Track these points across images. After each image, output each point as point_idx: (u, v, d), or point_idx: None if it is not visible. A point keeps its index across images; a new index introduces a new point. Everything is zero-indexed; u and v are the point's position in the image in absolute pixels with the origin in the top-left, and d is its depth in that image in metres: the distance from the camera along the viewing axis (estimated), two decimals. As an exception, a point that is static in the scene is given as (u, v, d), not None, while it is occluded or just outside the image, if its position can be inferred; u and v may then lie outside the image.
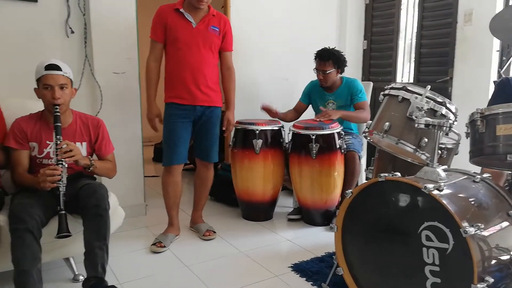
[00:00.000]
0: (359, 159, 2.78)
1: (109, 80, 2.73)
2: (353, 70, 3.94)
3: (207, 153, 2.53)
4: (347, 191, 1.76)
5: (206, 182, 2.64)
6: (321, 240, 2.59)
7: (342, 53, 2.93)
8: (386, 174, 1.63)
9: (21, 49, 2.46)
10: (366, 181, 1.72)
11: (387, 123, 1.81)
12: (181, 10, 2.34)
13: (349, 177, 2.73)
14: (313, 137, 2.61)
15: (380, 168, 2.27)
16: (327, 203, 2.73)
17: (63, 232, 1.70)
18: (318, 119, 2.76)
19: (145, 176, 3.00)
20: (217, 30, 2.43)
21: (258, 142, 2.73)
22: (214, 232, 2.62)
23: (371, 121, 1.95)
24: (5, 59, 2.38)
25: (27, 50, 2.47)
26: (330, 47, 2.93)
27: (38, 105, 2.06)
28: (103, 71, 2.70)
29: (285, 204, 3.22)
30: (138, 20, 2.81)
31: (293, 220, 2.88)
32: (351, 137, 2.89)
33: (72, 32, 2.63)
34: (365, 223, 1.75)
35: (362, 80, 3.97)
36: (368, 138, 1.97)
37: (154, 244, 2.40)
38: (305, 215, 2.85)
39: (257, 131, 2.73)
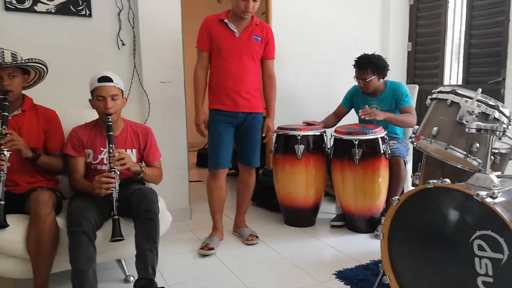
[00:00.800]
0: (405, 164, 2.70)
1: (156, 89, 2.85)
2: (397, 73, 3.85)
3: (249, 158, 2.58)
4: (393, 198, 1.72)
5: (249, 187, 2.68)
6: (365, 247, 2.54)
7: (383, 58, 2.86)
8: (435, 181, 1.58)
9: (78, 62, 2.63)
10: (414, 188, 1.68)
11: (435, 128, 1.76)
12: (226, 20, 2.43)
13: (394, 183, 2.66)
14: (356, 142, 2.58)
15: (428, 174, 2.20)
16: (371, 209, 2.68)
17: (117, 236, 1.80)
18: (362, 115, 2.66)
19: (190, 181, 3.09)
20: (260, 39, 2.50)
21: (300, 148, 2.73)
22: (257, 237, 2.64)
23: (417, 126, 1.90)
24: (63, 71, 2.55)
25: (83, 62, 2.64)
26: (369, 53, 2.87)
27: (93, 114, 2.19)
28: (150, 80, 2.83)
29: (328, 210, 3.19)
30: (183, 31, 2.91)
31: (336, 226, 2.85)
32: (396, 141, 2.82)
33: (123, 44, 2.78)
34: (412, 231, 1.70)
35: (407, 83, 3.86)
36: (415, 143, 1.92)
37: (202, 248, 2.46)
38: (349, 222, 2.81)
39: (299, 137, 2.74)
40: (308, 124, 2.97)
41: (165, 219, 2.16)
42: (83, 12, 2.63)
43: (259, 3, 2.42)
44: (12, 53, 1.94)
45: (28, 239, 1.77)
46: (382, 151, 2.61)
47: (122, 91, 2.13)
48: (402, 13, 3.89)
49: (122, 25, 2.76)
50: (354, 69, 2.88)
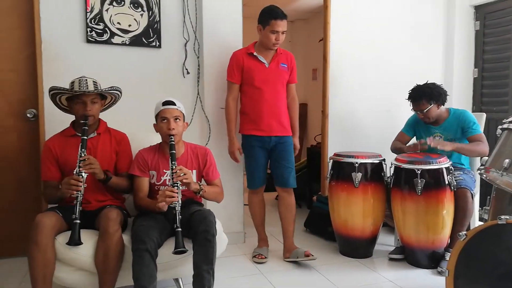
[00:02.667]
0: (472, 197, 2.54)
1: (217, 114, 2.97)
2: (462, 100, 3.68)
3: (287, 179, 2.71)
4: (460, 233, 1.62)
5: (290, 208, 2.76)
6: (427, 283, 2.40)
7: (438, 85, 2.75)
8: (508, 217, 1.47)
9: (147, 89, 2.83)
10: (483, 223, 1.57)
11: (507, 160, 1.65)
12: (255, 53, 2.66)
13: (460, 217, 2.51)
14: (419, 172, 2.47)
15: (498, 209, 2.04)
16: (434, 243, 2.53)
17: (180, 248, 1.85)
18: (431, 143, 2.57)
19: (244, 205, 3.14)
20: (286, 66, 2.74)
21: (358, 176, 2.68)
22: (313, 255, 2.62)
23: (487, 157, 1.79)
24: (134, 97, 2.75)
25: (151, 90, 2.84)
26: (422, 84, 2.78)
27: (158, 139, 2.32)
28: (212, 106, 2.96)
29: (386, 241, 3.06)
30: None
31: (395, 259, 2.72)
32: (462, 172, 2.67)
33: (188, 73, 2.95)
34: (481, 269, 1.59)
35: (473, 111, 3.66)
36: (484, 175, 1.81)
37: (255, 256, 2.71)
38: (409, 255, 2.67)
39: (357, 164, 2.69)
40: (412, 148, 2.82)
41: (221, 241, 2.20)
42: (154, 44, 2.84)
43: (285, 34, 2.64)
44: (93, 81, 2.14)
45: (96, 253, 1.89)
46: (447, 182, 2.48)
47: (183, 115, 2.25)
48: (467, 39, 3.75)
49: (188, 55, 2.95)
50: (410, 103, 2.80)
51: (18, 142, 2.68)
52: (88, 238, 1.92)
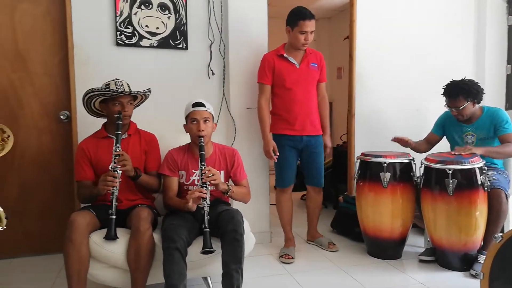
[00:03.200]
0: (506, 197, 2.45)
1: (242, 114, 2.98)
2: (495, 97, 3.57)
3: (318, 179, 2.85)
4: (495, 235, 1.58)
5: (318, 204, 2.98)
6: (459, 286, 2.34)
7: (475, 82, 2.67)
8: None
9: (174, 90, 2.88)
10: (521, 225, 1.52)
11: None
12: (285, 55, 2.70)
13: (494, 218, 2.43)
14: (450, 172, 2.41)
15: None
16: (466, 245, 2.46)
17: (208, 248, 1.88)
18: (456, 153, 2.54)
19: (270, 204, 3.15)
20: (316, 66, 2.78)
21: (386, 176, 2.64)
22: (335, 244, 2.89)
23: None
24: (161, 99, 2.80)
25: (178, 91, 2.88)
26: (458, 80, 2.71)
27: (186, 139, 2.36)
28: (237, 107, 2.98)
29: (415, 243, 2.99)
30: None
31: (425, 261, 2.65)
32: (495, 172, 2.58)
33: (213, 73, 2.98)
34: (520, 273, 1.53)
35: (507, 109, 3.54)
36: (521, 175, 1.74)
37: (282, 256, 2.70)
38: (440, 257, 2.61)
39: (385, 164, 2.65)
40: (398, 139, 2.90)
41: (249, 240, 2.21)
42: (181, 46, 2.89)
43: (314, 34, 2.67)
44: (127, 83, 2.19)
45: (128, 251, 1.93)
46: (479, 182, 2.41)
47: (212, 116, 2.27)
48: (500, 34, 3.63)
49: (213, 56, 2.98)
50: (444, 98, 2.73)
51: (52, 143, 2.78)
52: (120, 236, 1.97)
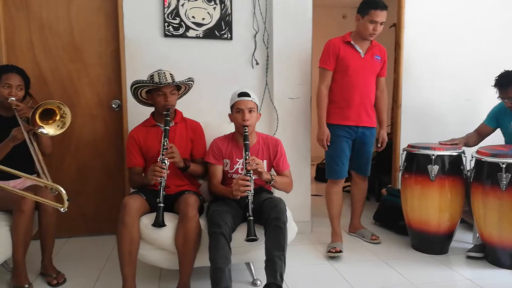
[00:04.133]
0: None
1: (285, 104, 2.99)
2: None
3: (365, 168, 2.85)
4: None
5: (364, 191, 2.95)
6: (510, 284, 2.24)
7: None
8: None
9: (218, 79, 2.94)
10: None
11: None
12: (352, 42, 2.64)
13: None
14: (503, 165, 2.29)
15: None
16: (519, 243, 2.35)
17: (252, 236, 1.92)
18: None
19: (312, 195, 3.14)
20: (379, 59, 2.72)
21: (434, 168, 2.55)
22: (378, 237, 2.84)
23: None
24: (207, 88, 2.86)
25: (222, 80, 2.94)
26: (511, 70, 2.56)
27: (230, 127, 2.41)
28: (280, 96, 2.99)
29: (463, 238, 2.89)
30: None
31: (473, 257, 2.56)
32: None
33: (257, 63, 3.00)
34: None
35: None
36: None
37: (329, 251, 2.61)
38: (490, 254, 2.50)
39: (433, 156, 2.56)
40: (445, 144, 2.75)
41: (291, 229, 2.23)
42: (225, 36, 2.93)
43: (383, 26, 2.60)
44: (170, 74, 2.27)
45: (176, 235, 2.02)
46: (536, 178, 2.28)
47: (257, 106, 2.30)
48: None
49: (257, 45, 2.99)
50: (496, 89, 2.59)
51: (104, 130, 2.93)
52: (168, 221, 2.05)
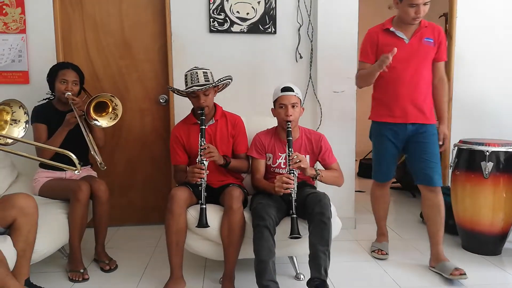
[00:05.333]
0: None
1: (329, 98, 2.95)
2: None
3: (431, 176, 2.30)
4: None
5: (438, 209, 2.34)
6: None
7: None
8: None
9: (262, 73, 2.95)
10: None
11: None
12: (392, 29, 2.33)
13: None
14: None
15: None
16: None
17: (295, 234, 1.93)
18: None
19: (356, 191, 3.09)
20: (431, 41, 2.33)
21: (488, 165, 2.42)
22: (464, 272, 2.17)
23: None
24: (250, 82, 2.89)
25: (265, 74, 2.95)
26: None
27: (272, 122, 2.41)
28: (324, 90, 2.95)
29: (519, 240, 2.73)
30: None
31: (531, 261, 2.41)
32: None
33: (301, 57, 2.98)
34: None
35: None
36: None
37: (374, 251, 2.53)
38: (550, 258, 2.35)
39: (487, 153, 2.43)
40: None
41: (335, 224, 2.20)
42: (269, 30, 2.93)
43: (429, 5, 2.24)
44: (203, 72, 2.22)
45: (222, 227, 2.06)
46: None
47: (301, 101, 2.28)
48: None
49: (301, 39, 2.97)
50: None
51: (152, 124, 3.04)
52: (213, 212, 2.10)
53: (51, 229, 2.09)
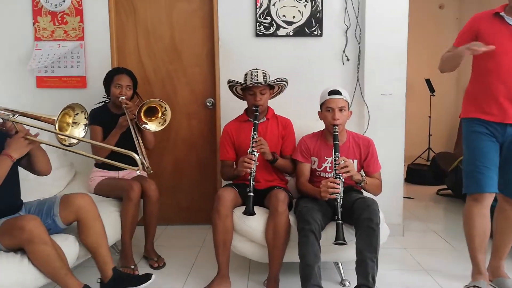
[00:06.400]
0: None
1: (377, 101, 2.88)
2: None
3: None
4: None
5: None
6: None
7: None
8: None
9: (308, 77, 2.93)
10: None
11: None
12: (502, 13, 1.99)
13: None
14: None
15: None
16: None
17: (340, 240, 1.90)
18: None
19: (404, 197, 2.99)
20: None
21: None
22: None
23: None
24: (297, 85, 2.85)
25: (312, 77, 2.93)
26: None
27: (319, 125, 2.39)
28: (371, 93, 2.88)
29: None
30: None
31: None
32: None
33: (348, 59, 2.94)
34: None
35: None
36: None
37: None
38: None
39: None
40: None
41: (383, 231, 2.14)
42: (315, 33, 2.91)
43: None
44: (263, 73, 2.33)
45: (267, 229, 2.08)
46: None
47: (348, 104, 2.25)
48: None
49: (348, 41, 2.92)
50: None
51: (199, 127, 3.12)
52: (259, 215, 2.12)
53: (105, 226, 2.19)
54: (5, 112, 1.83)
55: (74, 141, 1.87)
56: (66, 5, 2.90)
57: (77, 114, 1.90)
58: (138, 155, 2.37)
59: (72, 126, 1.90)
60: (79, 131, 1.90)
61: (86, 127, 1.93)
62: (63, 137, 1.84)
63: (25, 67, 2.94)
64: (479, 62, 2.06)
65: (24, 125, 1.84)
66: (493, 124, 2.01)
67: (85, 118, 1.91)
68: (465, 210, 2.09)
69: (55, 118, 1.80)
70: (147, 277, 1.99)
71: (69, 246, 1.91)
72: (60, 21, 2.95)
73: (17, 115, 1.81)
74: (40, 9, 2.94)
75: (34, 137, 1.82)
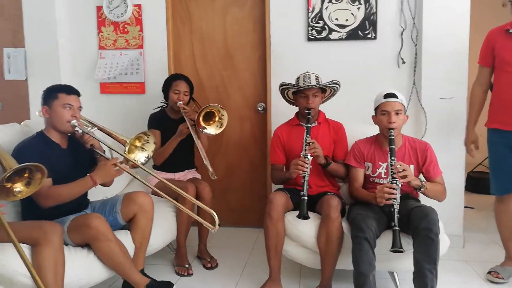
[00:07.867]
0: None
1: (435, 105, 2.75)
2: None
3: None
4: None
5: None
6: None
7: None
8: None
9: (362, 80, 2.86)
10: None
11: None
12: (511, 30, 2.18)
13: None
14: None
15: None
16: None
17: (397, 247, 1.84)
18: None
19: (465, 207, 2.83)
20: None
21: None
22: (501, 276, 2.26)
23: None
24: (350, 89, 2.79)
25: (366, 81, 2.86)
26: None
27: (373, 130, 2.33)
28: (429, 97, 2.77)
29: None
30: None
31: None
32: None
33: (403, 62, 2.84)
34: None
35: None
36: None
37: (490, 272, 2.31)
38: None
39: None
40: None
41: (443, 242, 2.04)
42: (369, 36, 2.85)
43: None
44: (316, 76, 2.32)
45: (319, 235, 2.06)
46: None
47: (404, 107, 2.18)
48: None
49: (404, 43, 2.83)
50: None
51: (250, 130, 3.16)
52: (311, 220, 2.10)
53: (162, 226, 2.30)
54: (86, 123, 1.98)
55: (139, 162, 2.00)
56: (128, 15, 3.07)
57: (148, 142, 2.02)
58: (195, 156, 2.49)
59: (139, 150, 2.02)
60: (143, 156, 2.02)
61: (149, 158, 2.05)
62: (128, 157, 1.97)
63: (90, 74, 3.15)
64: (498, 75, 2.27)
65: (114, 151, 1.97)
66: (508, 132, 2.22)
67: (152, 150, 2.04)
68: (494, 208, 2.42)
69: (127, 140, 1.93)
70: (168, 285, 2.01)
71: (129, 241, 2.02)
72: (121, 31, 3.13)
73: (95, 128, 1.95)
74: (104, 20, 3.13)
75: (124, 168, 1.93)
